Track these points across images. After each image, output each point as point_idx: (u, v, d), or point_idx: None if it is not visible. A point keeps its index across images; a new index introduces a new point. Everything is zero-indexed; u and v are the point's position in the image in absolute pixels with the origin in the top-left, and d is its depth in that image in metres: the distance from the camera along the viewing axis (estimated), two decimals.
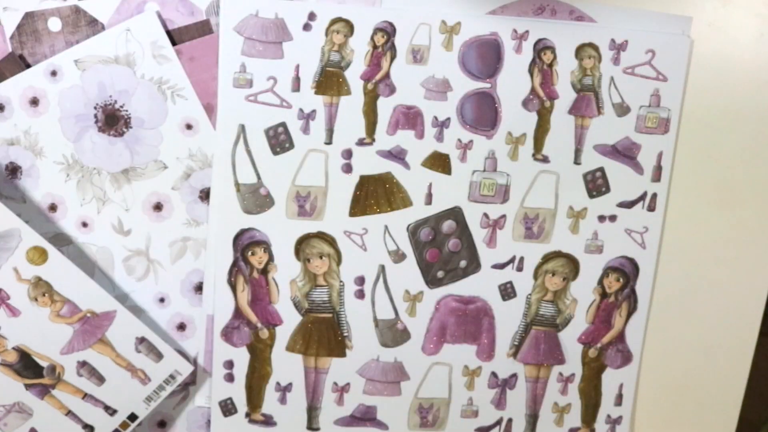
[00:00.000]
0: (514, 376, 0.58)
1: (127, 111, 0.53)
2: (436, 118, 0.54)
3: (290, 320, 0.56)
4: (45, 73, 0.52)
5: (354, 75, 0.53)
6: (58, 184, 0.53)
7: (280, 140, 0.54)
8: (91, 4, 0.52)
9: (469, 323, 0.57)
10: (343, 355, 0.56)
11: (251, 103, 0.53)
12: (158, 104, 0.53)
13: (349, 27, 0.53)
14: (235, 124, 0.53)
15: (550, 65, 0.54)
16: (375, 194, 0.55)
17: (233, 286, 0.55)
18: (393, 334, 0.57)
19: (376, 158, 0.54)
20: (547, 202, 0.56)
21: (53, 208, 0.54)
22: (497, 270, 0.56)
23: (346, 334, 0.56)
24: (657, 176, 0.56)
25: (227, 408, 0.56)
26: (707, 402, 0.59)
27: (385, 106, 0.54)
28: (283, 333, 0.56)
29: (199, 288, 0.55)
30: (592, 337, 0.58)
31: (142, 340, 0.54)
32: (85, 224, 0.54)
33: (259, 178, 0.54)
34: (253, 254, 0.55)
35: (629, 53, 0.55)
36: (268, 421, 0.57)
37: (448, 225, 0.56)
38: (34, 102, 0.52)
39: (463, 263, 0.56)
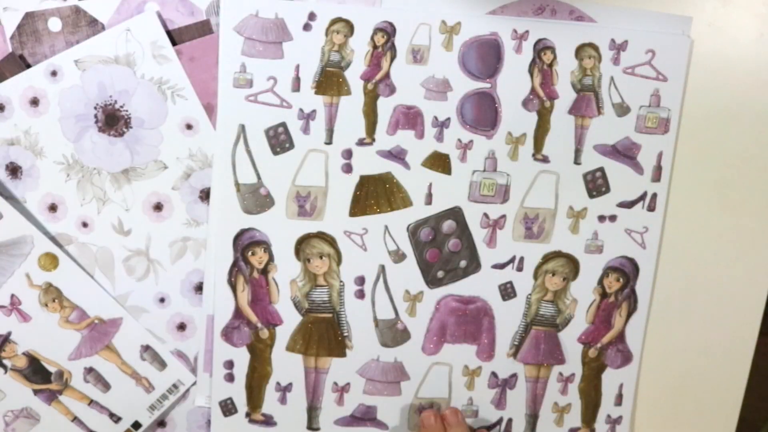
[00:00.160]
0: (514, 376, 0.58)
1: (127, 111, 0.53)
2: (436, 118, 0.54)
3: (290, 320, 0.56)
4: (45, 73, 0.52)
5: (354, 75, 0.53)
6: (58, 184, 0.53)
7: (280, 140, 0.54)
8: (91, 4, 0.52)
9: (469, 323, 0.57)
10: (343, 355, 0.56)
11: (251, 103, 0.53)
12: (158, 104, 0.53)
13: (349, 27, 0.53)
14: (235, 124, 0.53)
15: (550, 65, 0.54)
16: (375, 194, 0.55)
17: (233, 286, 0.55)
18: (393, 334, 0.57)
19: (376, 158, 0.54)
20: (547, 202, 0.56)
21: (53, 208, 0.54)
22: (497, 270, 0.56)
23: (346, 334, 0.56)
24: (657, 176, 0.56)
25: (227, 408, 0.56)
26: (707, 402, 0.59)
27: (385, 106, 0.54)
28: (283, 333, 0.56)
29: (199, 288, 0.55)
30: (592, 337, 0.58)
31: (146, 348, 0.55)
32: (85, 224, 0.54)
33: (259, 178, 0.54)
34: (253, 254, 0.55)
35: (629, 53, 0.55)
36: (268, 421, 0.57)
37: (448, 225, 0.56)
38: (34, 102, 0.52)
39: (463, 263, 0.56)
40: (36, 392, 0.55)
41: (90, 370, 0.55)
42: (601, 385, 0.59)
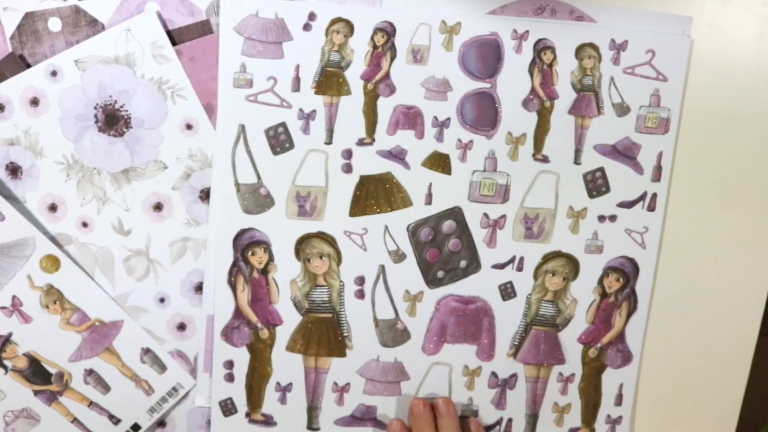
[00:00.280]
0: (514, 376, 0.58)
1: (127, 111, 0.53)
2: (436, 118, 0.54)
3: (290, 320, 0.56)
4: (45, 73, 0.52)
5: (354, 75, 0.53)
6: (58, 184, 0.53)
7: (280, 140, 0.54)
8: (91, 4, 0.52)
9: (469, 323, 0.57)
10: (343, 355, 0.56)
11: (251, 103, 0.53)
12: (158, 104, 0.53)
13: (349, 27, 0.53)
14: (235, 124, 0.53)
15: (550, 65, 0.54)
16: (375, 194, 0.55)
17: (233, 286, 0.55)
18: (393, 334, 0.57)
19: (376, 158, 0.54)
20: (547, 202, 0.56)
21: (53, 208, 0.54)
22: (497, 270, 0.56)
23: (346, 334, 0.56)
24: (657, 176, 0.56)
25: (227, 408, 0.56)
26: (707, 402, 0.59)
27: (385, 106, 0.54)
28: (283, 333, 0.56)
29: (199, 288, 0.55)
30: (592, 337, 0.58)
31: (147, 351, 0.55)
32: (85, 224, 0.54)
33: (259, 178, 0.54)
34: (253, 254, 0.55)
35: (629, 53, 0.55)
36: (268, 421, 0.57)
37: (448, 225, 0.56)
38: (34, 102, 0.52)
39: (463, 263, 0.56)
40: (36, 393, 0.55)
41: (90, 372, 0.55)
42: (601, 385, 0.59)
